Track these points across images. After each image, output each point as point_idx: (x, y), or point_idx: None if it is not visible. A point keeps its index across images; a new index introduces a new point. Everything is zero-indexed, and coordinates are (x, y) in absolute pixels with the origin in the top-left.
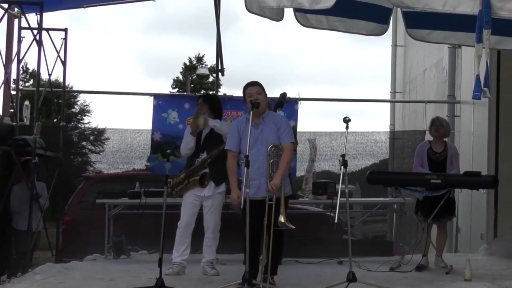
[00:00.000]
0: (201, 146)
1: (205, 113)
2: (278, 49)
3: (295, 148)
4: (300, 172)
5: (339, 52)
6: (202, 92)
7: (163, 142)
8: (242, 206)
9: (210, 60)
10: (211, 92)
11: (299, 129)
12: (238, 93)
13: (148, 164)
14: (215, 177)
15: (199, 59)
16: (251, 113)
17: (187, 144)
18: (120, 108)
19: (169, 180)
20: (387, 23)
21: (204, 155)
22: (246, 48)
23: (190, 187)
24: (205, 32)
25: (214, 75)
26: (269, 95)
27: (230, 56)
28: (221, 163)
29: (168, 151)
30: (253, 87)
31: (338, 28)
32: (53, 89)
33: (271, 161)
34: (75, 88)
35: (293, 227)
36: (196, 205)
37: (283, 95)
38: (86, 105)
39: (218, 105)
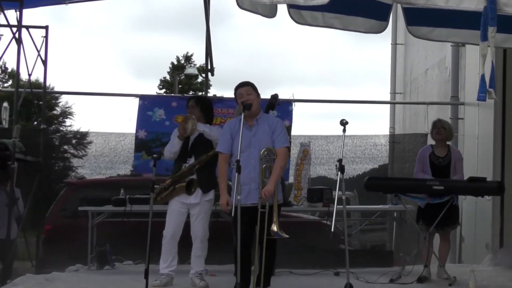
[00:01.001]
0: (188, 151)
1: (194, 117)
2: (272, 48)
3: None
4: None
5: (336, 51)
6: (190, 93)
7: (148, 140)
8: (233, 214)
9: (199, 59)
10: (200, 93)
11: (293, 132)
12: (229, 94)
13: (133, 169)
14: (203, 184)
15: (188, 58)
16: (242, 115)
17: (173, 147)
18: (104, 110)
19: (155, 186)
20: (387, 20)
21: (191, 161)
22: (237, 47)
23: (176, 194)
24: (194, 29)
25: (204, 75)
26: (261, 97)
27: (221, 55)
28: (209, 170)
29: (154, 155)
30: (243, 87)
31: (334, 25)
32: (33, 90)
33: (264, 166)
34: (56, 89)
35: (287, 236)
36: (183, 213)
37: (274, 96)
38: (68, 107)
39: (210, 108)
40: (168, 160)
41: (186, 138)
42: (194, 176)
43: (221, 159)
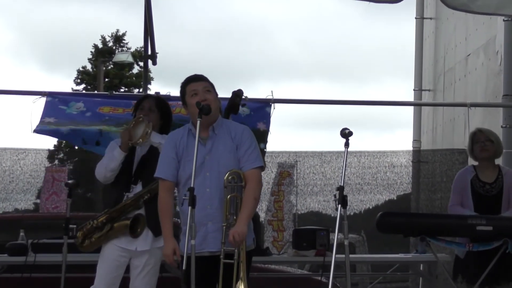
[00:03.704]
0: (133, 174)
1: (150, 122)
2: (244, 24)
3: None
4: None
5: (337, 29)
6: (122, 90)
7: (59, 124)
8: (184, 266)
9: (134, 40)
10: (136, 91)
11: (272, 146)
12: (177, 91)
13: (38, 201)
14: (155, 224)
15: (118, 39)
16: (198, 122)
17: (111, 161)
18: None
19: (71, 226)
20: None
21: (138, 189)
22: (192, 23)
23: (114, 236)
24: None
25: (141, 63)
26: (226, 95)
27: (167, 35)
28: None
29: (69, 181)
30: (198, 82)
31: None
32: None
33: (229, 196)
34: None
35: None
36: (122, 264)
37: (237, 93)
38: None
39: (171, 116)
40: (104, 182)
41: (129, 153)
42: (141, 211)
43: (162, 188)
